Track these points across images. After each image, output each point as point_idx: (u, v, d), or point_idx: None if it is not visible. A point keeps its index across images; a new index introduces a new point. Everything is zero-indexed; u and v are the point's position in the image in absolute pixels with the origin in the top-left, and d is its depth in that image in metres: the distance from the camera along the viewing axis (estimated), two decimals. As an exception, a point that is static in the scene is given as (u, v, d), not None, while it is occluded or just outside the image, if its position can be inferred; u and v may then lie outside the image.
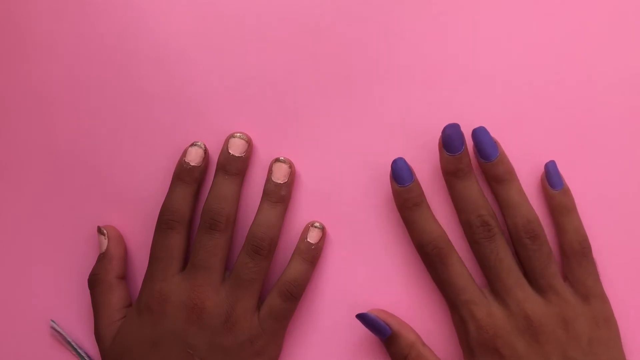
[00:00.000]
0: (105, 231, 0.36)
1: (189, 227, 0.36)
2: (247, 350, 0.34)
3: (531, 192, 0.34)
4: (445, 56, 0.35)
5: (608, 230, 0.34)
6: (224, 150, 0.35)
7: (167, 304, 0.34)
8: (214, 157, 0.36)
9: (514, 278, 0.32)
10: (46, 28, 0.38)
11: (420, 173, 0.35)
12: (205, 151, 0.36)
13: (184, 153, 0.35)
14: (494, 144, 0.33)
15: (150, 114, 0.37)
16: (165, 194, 0.35)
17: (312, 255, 0.35)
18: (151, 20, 0.37)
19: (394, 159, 0.33)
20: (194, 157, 0.35)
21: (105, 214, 0.38)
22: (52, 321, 0.38)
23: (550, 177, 0.33)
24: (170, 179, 0.36)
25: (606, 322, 0.32)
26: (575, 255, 0.32)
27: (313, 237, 0.35)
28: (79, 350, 0.37)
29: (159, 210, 0.35)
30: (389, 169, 0.34)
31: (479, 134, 0.33)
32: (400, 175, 0.33)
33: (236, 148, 0.35)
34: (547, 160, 0.34)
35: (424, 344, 0.34)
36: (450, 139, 0.33)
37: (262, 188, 0.35)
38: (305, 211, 0.36)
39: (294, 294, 0.34)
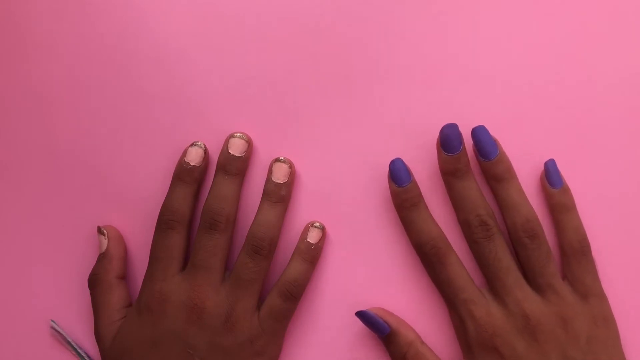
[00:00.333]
0: (105, 231, 0.36)
1: (189, 227, 0.36)
2: (247, 350, 0.34)
3: (531, 192, 0.34)
4: (445, 56, 0.35)
5: (608, 230, 0.34)
6: (224, 150, 0.35)
7: (167, 304, 0.34)
8: (214, 157, 0.36)
9: (513, 278, 0.32)
10: (46, 28, 0.38)
11: (421, 173, 0.35)
12: (205, 151, 0.36)
13: (184, 153, 0.35)
14: (494, 142, 0.33)
15: (150, 114, 0.37)
16: (165, 194, 0.35)
17: (312, 255, 0.35)
18: (151, 20, 0.37)
19: (392, 159, 0.33)
20: (194, 157, 0.35)
21: (105, 214, 0.38)
22: (52, 321, 0.38)
23: (550, 176, 0.33)
24: (170, 179, 0.36)
25: (605, 321, 0.32)
26: (575, 254, 0.33)
27: (313, 237, 0.35)
28: (79, 350, 0.37)
29: (159, 210, 0.35)
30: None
31: (479, 133, 0.33)
32: (398, 175, 0.33)
33: (236, 148, 0.35)
34: (544, 160, 0.34)
35: (422, 342, 0.34)
36: (448, 139, 0.33)
37: (262, 188, 0.35)
38: (305, 211, 0.36)
39: (294, 294, 0.34)
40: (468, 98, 0.35)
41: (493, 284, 0.33)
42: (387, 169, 0.35)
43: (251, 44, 0.36)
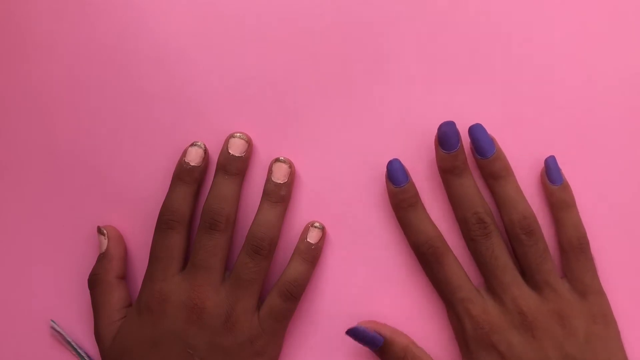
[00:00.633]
0: (105, 231, 0.36)
1: (189, 227, 0.36)
2: (247, 350, 0.34)
3: (530, 192, 0.34)
4: (445, 56, 0.35)
5: (607, 229, 0.34)
6: (224, 150, 0.35)
7: (167, 304, 0.34)
8: (214, 157, 0.36)
9: (510, 275, 0.32)
10: (46, 28, 0.38)
11: (421, 172, 0.35)
12: (205, 151, 0.36)
13: (184, 153, 0.35)
14: (491, 140, 0.33)
15: (150, 114, 0.37)
16: (165, 194, 0.35)
17: (312, 255, 0.35)
18: (151, 20, 0.37)
19: (389, 160, 0.34)
20: (194, 157, 0.35)
21: (105, 214, 0.38)
22: (52, 321, 0.38)
23: (550, 173, 0.33)
24: (170, 179, 0.36)
25: (604, 318, 0.32)
26: (574, 251, 0.33)
27: (313, 237, 0.35)
28: (79, 350, 0.37)
29: (159, 210, 0.35)
30: (389, 169, 0.35)
31: (476, 131, 0.33)
32: (396, 176, 0.33)
33: (236, 148, 0.35)
34: (542, 160, 0.34)
35: (417, 346, 0.34)
36: (445, 136, 0.33)
37: (262, 188, 0.35)
38: (305, 211, 0.36)
39: (294, 294, 0.34)
40: (468, 98, 0.35)
41: (490, 281, 0.33)
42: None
43: (251, 44, 0.36)
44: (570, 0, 0.35)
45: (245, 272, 0.34)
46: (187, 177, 0.35)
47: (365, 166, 0.36)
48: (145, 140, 0.37)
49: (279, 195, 0.35)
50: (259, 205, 0.35)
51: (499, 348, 0.32)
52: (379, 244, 0.35)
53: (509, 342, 0.32)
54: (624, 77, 0.34)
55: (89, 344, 0.38)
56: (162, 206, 0.35)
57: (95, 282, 0.36)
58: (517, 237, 0.32)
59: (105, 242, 0.36)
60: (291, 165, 0.35)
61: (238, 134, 0.35)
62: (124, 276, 0.37)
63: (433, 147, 0.35)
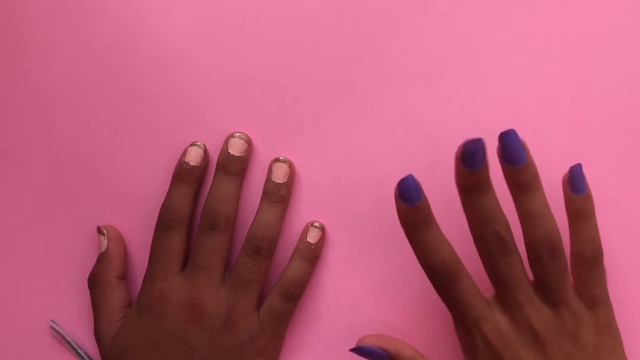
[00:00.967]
0: (105, 231, 0.36)
1: (189, 227, 0.36)
2: (247, 350, 0.34)
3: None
4: (445, 56, 0.35)
5: (607, 229, 0.34)
6: (224, 150, 0.35)
7: (167, 304, 0.34)
8: (214, 157, 0.36)
9: (525, 293, 0.31)
10: (46, 28, 0.38)
11: (421, 172, 0.35)
12: (205, 151, 0.36)
13: (184, 153, 0.35)
14: (523, 148, 0.30)
15: (150, 114, 0.37)
16: (165, 194, 0.35)
17: (312, 255, 0.35)
18: (151, 20, 0.37)
19: (401, 178, 0.30)
20: (194, 157, 0.35)
21: (105, 214, 0.38)
22: (52, 321, 0.38)
23: (575, 181, 0.31)
24: (170, 179, 0.36)
25: (609, 329, 0.31)
26: (586, 262, 0.31)
27: (313, 237, 0.35)
28: (79, 350, 0.37)
29: (159, 210, 0.35)
30: (389, 168, 0.34)
31: (508, 138, 0.30)
32: (409, 194, 0.30)
33: (236, 148, 0.35)
34: (544, 160, 0.34)
35: (422, 355, 0.33)
36: (473, 153, 0.29)
37: (262, 188, 0.35)
38: (305, 211, 0.36)
39: (294, 294, 0.34)
40: (468, 98, 0.35)
41: (503, 297, 0.31)
42: (387, 169, 0.35)
43: (251, 44, 0.36)
44: (570, 0, 0.35)
45: (245, 272, 0.34)
46: (187, 177, 0.35)
47: (365, 166, 0.36)
48: (145, 140, 0.37)
49: (279, 195, 0.35)
50: (259, 205, 0.35)
51: None
52: (379, 243, 0.35)
53: (519, 359, 0.31)
54: (624, 77, 0.34)
55: (89, 344, 0.38)
56: (162, 206, 0.35)
57: (95, 282, 0.36)
58: (539, 255, 0.31)
59: (105, 242, 0.36)
60: (291, 165, 0.35)
61: (238, 134, 0.35)
62: (124, 276, 0.37)
63: (433, 147, 0.35)
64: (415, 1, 0.35)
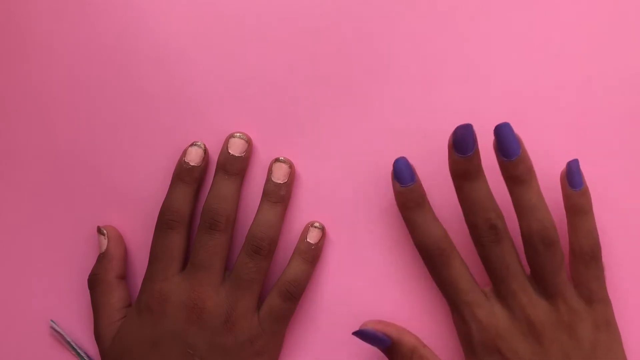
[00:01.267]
0: (105, 231, 0.36)
1: (189, 227, 0.36)
2: (247, 350, 0.34)
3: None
4: (445, 56, 0.35)
5: (606, 229, 0.34)
6: (224, 150, 0.35)
7: (167, 304, 0.34)
8: (214, 157, 0.36)
9: (519, 282, 0.32)
10: (46, 28, 0.38)
11: (421, 172, 0.35)
12: (205, 151, 0.36)
13: (184, 153, 0.35)
14: (517, 141, 0.31)
15: (150, 114, 0.37)
16: (165, 194, 0.35)
17: (312, 255, 0.35)
18: (151, 20, 0.37)
19: (395, 158, 0.33)
20: (194, 157, 0.35)
21: (105, 214, 0.38)
22: (52, 321, 0.38)
23: (572, 176, 0.32)
24: (170, 179, 0.36)
25: (607, 325, 0.32)
26: (584, 258, 0.32)
27: (313, 237, 0.35)
28: (79, 350, 0.37)
29: (159, 210, 0.35)
30: (390, 168, 0.34)
31: (503, 130, 0.31)
32: (402, 175, 0.32)
33: (236, 148, 0.35)
34: (544, 160, 0.34)
35: (424, 346, 0.34)
36: (462, 140, 0.31)
37: (262, 188, 0.35)
38: (305, 211, 0.36)
39: (294, 294, 0.34)
40: (469, 98, 0.35)
41: (498, 287, 0.32)
42: (387, 169, 0.35)
43: (251, 44, 0.36)
44: (570, 0, 0.35)
45: (245, 272, 0.34)
46: (187, 177, 0.35)
47: (365, 166, 0.36)
48: (145, 140, 0.37)
49: (279, 195, 0.35)
50: (259, 205, 0.35)
51: (504, 353, 0.31)
52: (379, 244, 0.35)
53: (515, 349, 0.31)
54: (624, 77, 0.34)
55: (89, 344, 0.38)
56: (162, 206, 0.35)
57: (95, 282, 0.36)
58: (535, 246, 0.31)
59: (105, 242, 0.36)
60: (291, 165, 0.35)
61: (238, 134, 0.35)
62: (124, 276, 0.37)
63: (433, 146, 0.35)
64: (415, 1, 0.35)
